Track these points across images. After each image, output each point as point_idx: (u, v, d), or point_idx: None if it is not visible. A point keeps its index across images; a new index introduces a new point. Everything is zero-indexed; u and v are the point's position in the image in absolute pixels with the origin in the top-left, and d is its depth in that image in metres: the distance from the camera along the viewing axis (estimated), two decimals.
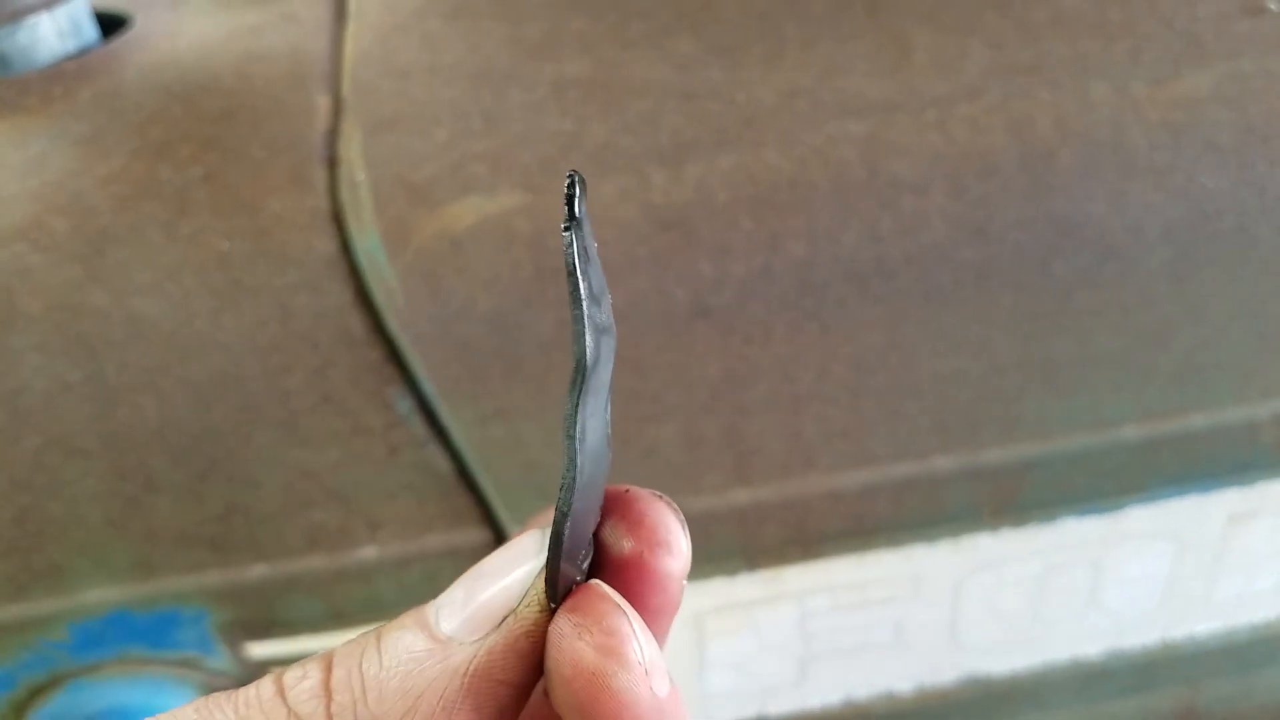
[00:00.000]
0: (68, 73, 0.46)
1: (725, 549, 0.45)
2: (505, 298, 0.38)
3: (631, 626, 0.18)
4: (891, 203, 0.40)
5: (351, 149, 0.40)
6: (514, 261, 0.38)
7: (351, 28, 0.47)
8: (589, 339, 0.18)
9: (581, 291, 0.18)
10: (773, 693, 0.49)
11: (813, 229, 0.40)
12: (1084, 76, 0.41)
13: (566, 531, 0.19)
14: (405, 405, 0.39)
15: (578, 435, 0.19)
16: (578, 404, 0.19)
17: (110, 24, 0.52)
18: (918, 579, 0.46)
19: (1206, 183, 0.42)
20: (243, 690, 0.19)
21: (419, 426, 0.40)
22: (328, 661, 0.19)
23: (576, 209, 0.18)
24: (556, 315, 0.39)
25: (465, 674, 0.18)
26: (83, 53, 0.49)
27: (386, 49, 0.45)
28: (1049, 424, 0.43)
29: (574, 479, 0.19)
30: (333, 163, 0.40)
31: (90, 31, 0.50)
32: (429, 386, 0.39)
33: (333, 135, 0.41)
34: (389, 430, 0.40)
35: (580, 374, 0.19)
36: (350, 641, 0.19)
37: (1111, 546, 0.47)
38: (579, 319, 0.18)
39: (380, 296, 0.37)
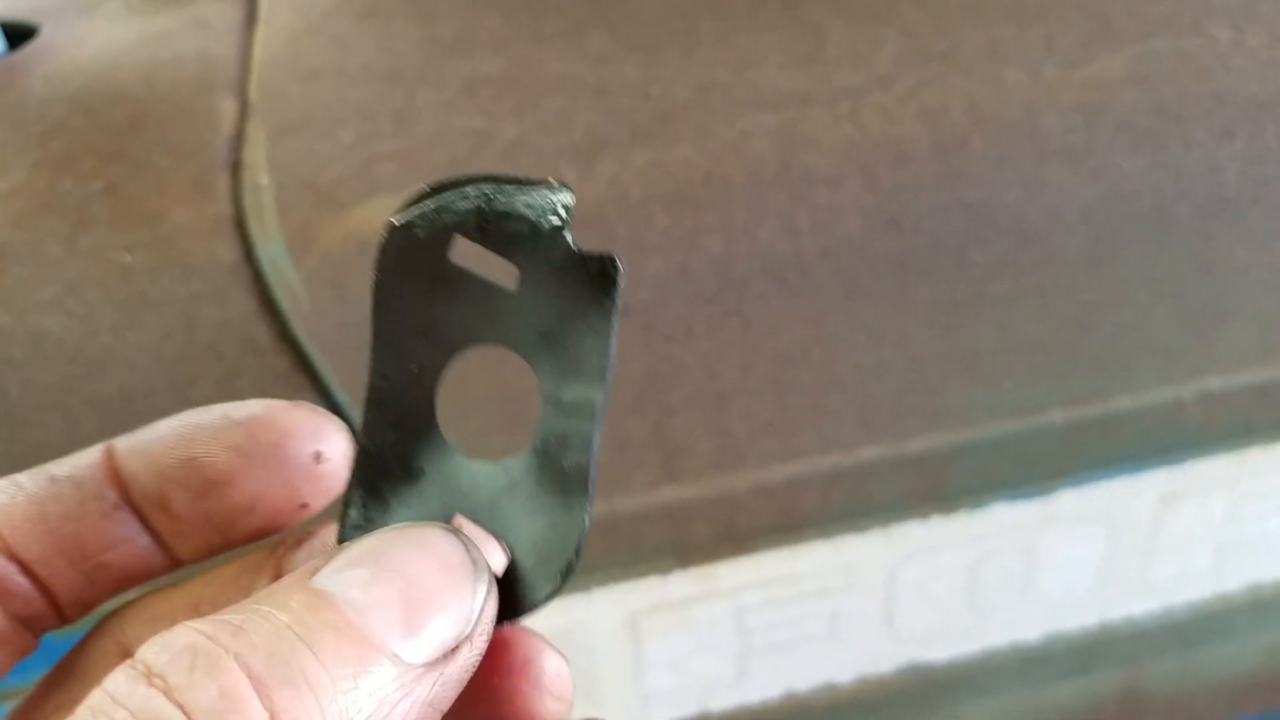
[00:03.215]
0: None
1: (657, 548, 0.45)
2: None
3: None
4: (806, 196, 0.39)
5: (256, 153, 0.39)
6: None
7: (261, 31, 0.46)
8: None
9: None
10: (713, 690, 0.49)
11: (729, 224, 0.39)
12: (997, 62, 0.41)
13: None
14: None
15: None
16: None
17: (17, 34, 0.51)
18: (850, 570, 0.46)
19: (1122, 164, 0.42)
20: None
21: None
22: None
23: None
24: None
25: None
26: None
27: (296, 51, 0.44)
28: (973, 412, 0.43)
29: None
30: (236, 168, 0.39)
31: None
32: (341, 394, 0.38)
33: (237, 140, 0.40)
34: None
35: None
36: None
37: (1044, 531, 0.48)
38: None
39: (285, 303, 0.37)
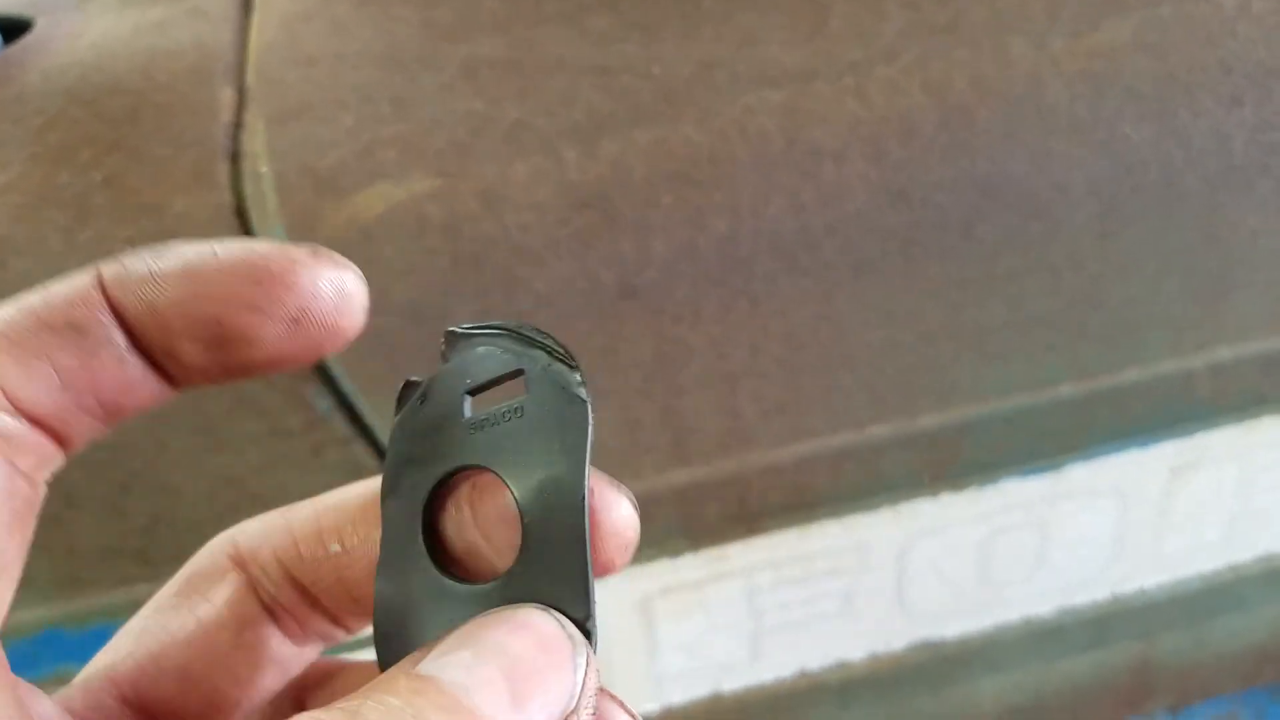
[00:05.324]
0: None
1: (668, 530, 0.45)
2: (421, 287, 0.38)
3: None
4: (812, 172, 0.39)
5: (255, 141, 0.39)
6: (429, 249, 0.37)
7: (257, 18, 0.46)
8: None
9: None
10: (726, 670, 0.49)
11: (735, 203, 0.39)
12: (1001, 33, 0.41)
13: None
14: (325, 403, 0.38)
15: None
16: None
17: (12, 29, 0.51)
18: (862, 548, 0.46)
19: (1130, 134, 0.41)
20: None
21: (341, 424, 0.39)
22: None
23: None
24: (478, 304, 0.39)
25: None
26: None
27: (292, 38, 0.44)
28: (983, 387, 0.43)
29: None
30: (236, 156, 0.38)
31: None
32: (348, 383, 0.38)
33: (236, 128, 0.40)
34: (310, 430, 0.39)
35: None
36: None
37: (1055, 505, 0.47)
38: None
39: None
